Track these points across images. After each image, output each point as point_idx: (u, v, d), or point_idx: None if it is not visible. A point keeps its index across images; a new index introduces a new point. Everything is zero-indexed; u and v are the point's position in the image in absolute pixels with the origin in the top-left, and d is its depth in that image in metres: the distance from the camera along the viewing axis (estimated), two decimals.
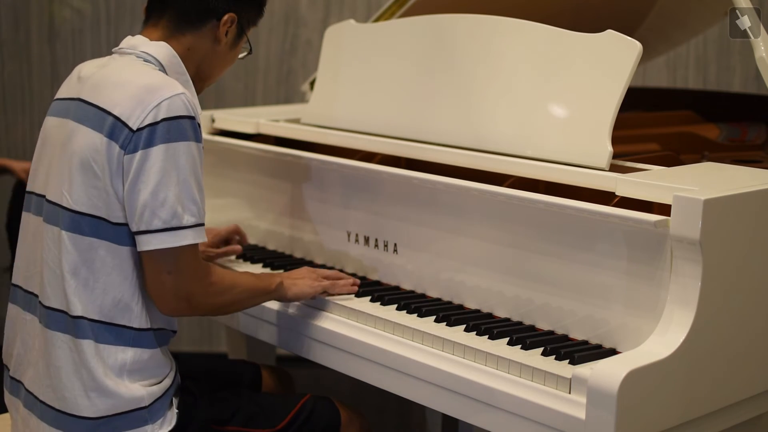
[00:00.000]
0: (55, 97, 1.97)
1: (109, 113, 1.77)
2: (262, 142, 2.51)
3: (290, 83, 4.01)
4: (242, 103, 4.01)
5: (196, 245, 1.79)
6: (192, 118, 1.78)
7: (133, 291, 1.81)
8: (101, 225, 1.78)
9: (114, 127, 1.76)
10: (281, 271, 2.24)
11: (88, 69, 1.92)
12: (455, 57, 2.19)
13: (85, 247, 1.78)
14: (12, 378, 1.94)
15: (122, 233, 1.78)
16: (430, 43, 2.24)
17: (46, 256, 1.83)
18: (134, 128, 1.75)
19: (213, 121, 2.68)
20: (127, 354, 1.80)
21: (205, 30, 1.93)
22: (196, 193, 1.78)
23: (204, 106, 3.93)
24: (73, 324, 1.79)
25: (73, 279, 1.79)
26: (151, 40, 1.91)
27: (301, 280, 2.04)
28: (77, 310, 1.78)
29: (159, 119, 1.74)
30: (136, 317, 1.81)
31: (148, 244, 1.75)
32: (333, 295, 2.06)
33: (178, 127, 1.75)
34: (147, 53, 1.88)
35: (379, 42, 2.37)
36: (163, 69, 1.88)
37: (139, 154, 1.74)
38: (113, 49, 1.95)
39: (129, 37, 1.95)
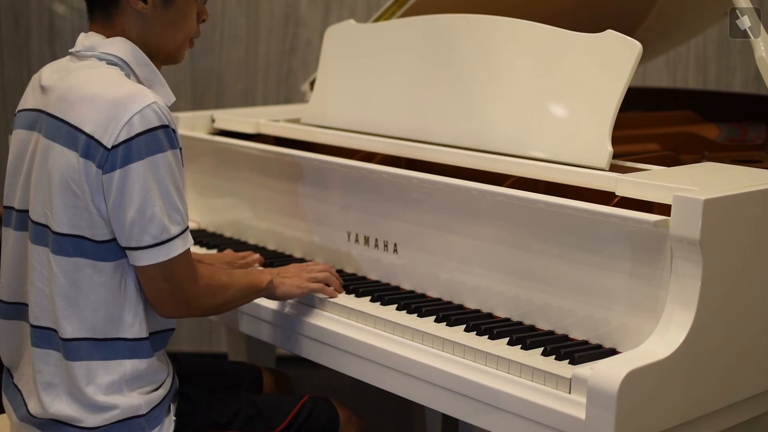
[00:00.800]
0: (19, 108, 1.92)
1: (81, 131, 1.73)
2: (262, 142, 2.51)
3: (290, 83, 4.01)
4: (242, 103, 4.01)
5: (187, 249, 1.79)
6: (166, 126, 1.74)
7: (123, 304, 1.79)
8: (84, 244, 1.76)
9: (88, 146, 1.72)
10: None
11: (48, 77, 1.87)
12: (455, 57, 2.19)
13: (71, 268, 1.76)
14: (15, 385, 1.93)
15: (106, 250, 1.76)
16: (430, 43, 2.24)
17: (34, 276, 1.81)
18: (109, 146, 1.71)
19: (213, 121, 2.68)
20: (125, 366, 1.79)
21: (122, 5, 1.84)
22: (178, 200, 1.76)
23: (204, 106, 3.94)
24: (63, 345, 1.78)
25: (63, 301, 1.77)
26: (102, 35, 1.85)
27: (289, 279, 2.04)
28: (67, 332, 1.77)
29: (133, 135, 1.70)
30: (129, 328, 1.79)
31: (140, 260, 1.75)
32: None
33: (154, 140, 1.72)
34: (108, 54, 1.83)
35: (379, 42, 2.37)
36: (129, 68, 1.83)
37: (118, 173, 1.71)
38: (70, 50, 1.89)
39: (83, 35, 1.88)
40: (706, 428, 1.73)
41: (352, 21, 2.48)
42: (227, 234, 2.58)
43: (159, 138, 1.73)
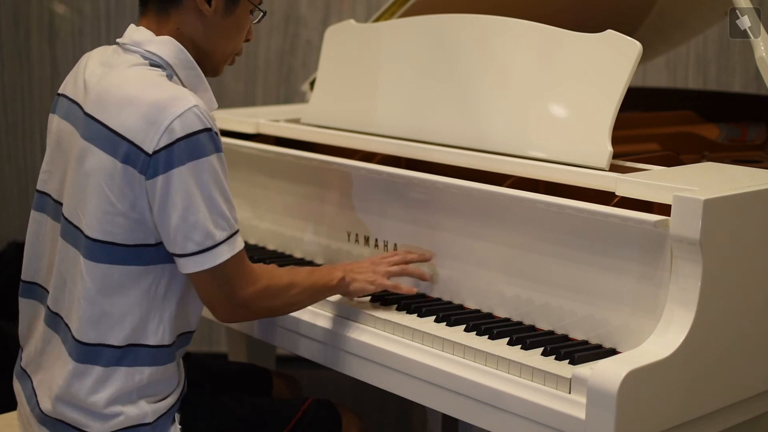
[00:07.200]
0: (61, 92, 1.89)
1: (121, 136, 1.70)
2: (262, 142, 2.51)
3: (290, 83, 4.01)
4: (242, 103, 4.00)
5: (237, 253, 1.74)
6: (208, 129, 1.70)
7: (149, 310, 1.77)
8: (115, 250, 1.73)
9: (129, 152, 1.69)
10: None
11: (92, 71, 1.83)
12: (455, 57, 2.19)
13: (101, 275, 1.74)
14: (23, 369, 1.92)
15: (138, 254, 1.74)
16: (430, 43, 2.24)
17: (65, 272, 1.79)
18: (150, 152, 1.67)
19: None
20: (143, 374, 1.77)
21: (185, 4, 1.82)
22: (223, 205, 1.72)
23: None
24: (80, 349, 1.76)
25: (90, 307, 1.74)
26: (152, 31, 1.82)
27: (362, 275, 1.97)
28: (90, 338, 1.75)
29: (174, 139, 1.67)
30: (153, 334, 1.77)
31: (186, 267, 1.72)
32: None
33: (196, 144, 1.68)
34: (153, 53, 1.79)
35: (379, 42, 2.37)
36: (172, 70, 1.79)
37: (161, 179, 1.67)
38: (118, 40, 1.86)
39: (132, 26, 1.85)
40: (706, 428, 1.73)
41: (352, 21, 2.48)
42: None
43: (201, 142, 1.68)
